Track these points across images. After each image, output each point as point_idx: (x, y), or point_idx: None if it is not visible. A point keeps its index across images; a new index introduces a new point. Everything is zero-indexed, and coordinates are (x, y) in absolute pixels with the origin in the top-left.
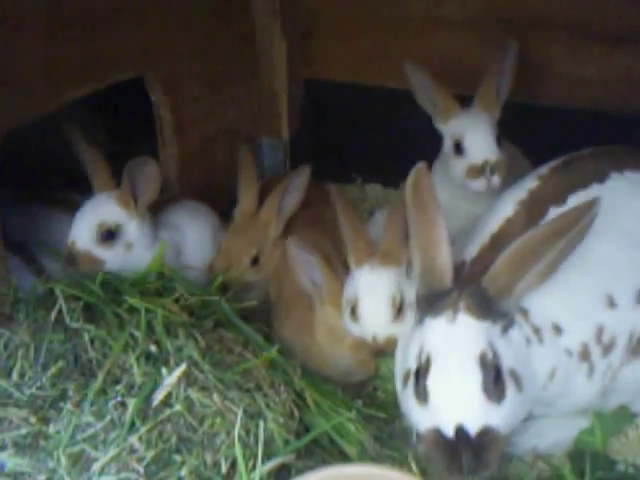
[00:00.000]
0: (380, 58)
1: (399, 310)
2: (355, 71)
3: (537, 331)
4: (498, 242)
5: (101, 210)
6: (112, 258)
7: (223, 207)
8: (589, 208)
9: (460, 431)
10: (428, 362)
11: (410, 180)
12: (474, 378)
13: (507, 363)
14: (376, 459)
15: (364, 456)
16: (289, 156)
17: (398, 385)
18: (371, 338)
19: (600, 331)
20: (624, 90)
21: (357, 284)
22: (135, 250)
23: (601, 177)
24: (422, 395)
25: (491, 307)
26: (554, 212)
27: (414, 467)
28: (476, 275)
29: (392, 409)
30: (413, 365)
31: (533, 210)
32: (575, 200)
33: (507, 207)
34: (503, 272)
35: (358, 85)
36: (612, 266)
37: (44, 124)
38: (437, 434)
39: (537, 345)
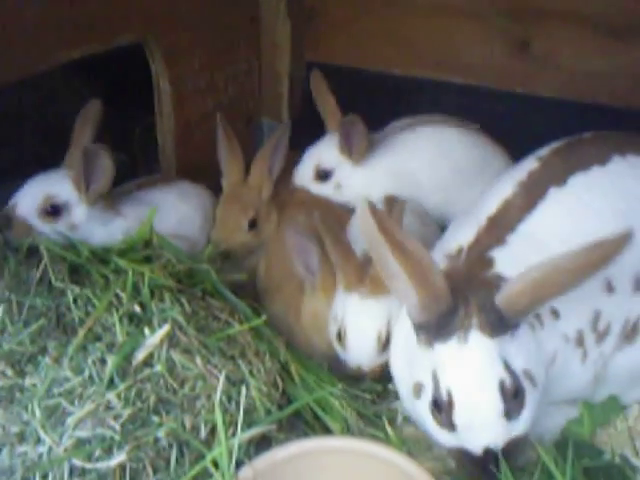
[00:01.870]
0: (384, 44)
1: (385, 344)
2: (359, 56)
3: (538, 316)
4: (495, 225)
5: (54, 184)
6: (50, 234)
7: (219, 182)
8: (623, 241)
9: (487, 451)
10: (450, 398)
11: (370, 220)
12: (497, 407)
13: (520, 365)
14: (360, 437)
15: (347, 433)
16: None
17: (406, 393)
18: (355, 367)
19: (597, 317)
20: (629, 84)
21: (345, 312)
22: (77, 233)
23: (603, 159)
24: (446, 425)
25: (505, 323)
26: (554, 192)
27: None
28: (474, 264)
29: (378, 390)
30: (427, 385)
31: (532, 191)
32: (575, 181)
33: (505, 188)
34: (524, 297)
35: (361, 71)
36: None
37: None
38: (464, 451)
39: (539, 330)
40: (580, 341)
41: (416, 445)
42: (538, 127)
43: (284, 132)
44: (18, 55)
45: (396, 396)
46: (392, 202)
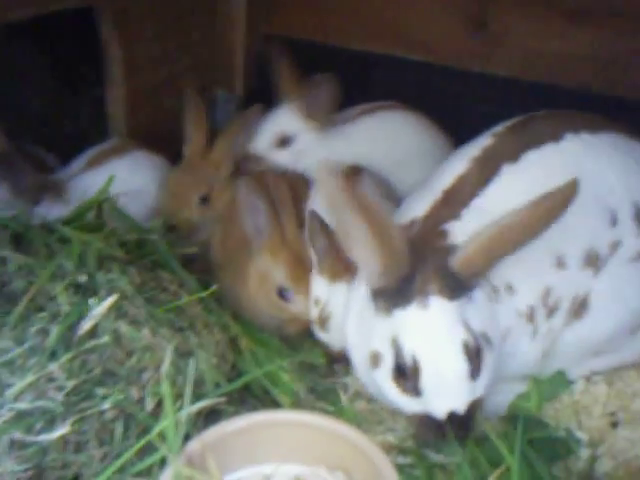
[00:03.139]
0: (343, 19)
1: None
2: (317, 30)
3: (496, 291)
4: (450, 198)
5: None
6: None
7: (170, 154)
8: (571, 190)
9: (451, 415)
10: (416, 364)
11: (332, 182)
12: (463, 370)
13: (477, 327)
14: (310, 411)
15: (298, 407)
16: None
17: (361, 362)
18: (339, 350)
19: (547, 293)
20: (582, 66)
21: (333, 300)
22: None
23: (556, 137)
24: (412, 390)
25: (462, 286)
26: (507, 169)
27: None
28: (428, 235)
29: (330, 361)
30: (386, 353)
31: (485, 167)
32: (528, 158)
33: (460, 164)
34: (480, 258)
35: (319, 45)
36: (563, 227)
37: None
38: (426, 417)
39: (496, 304)
40: (531, 317)
41: (367, 419)
42: (494, 105)
43: (256, 113)
44: None
45: (347, 372)
46: (355, 171)
